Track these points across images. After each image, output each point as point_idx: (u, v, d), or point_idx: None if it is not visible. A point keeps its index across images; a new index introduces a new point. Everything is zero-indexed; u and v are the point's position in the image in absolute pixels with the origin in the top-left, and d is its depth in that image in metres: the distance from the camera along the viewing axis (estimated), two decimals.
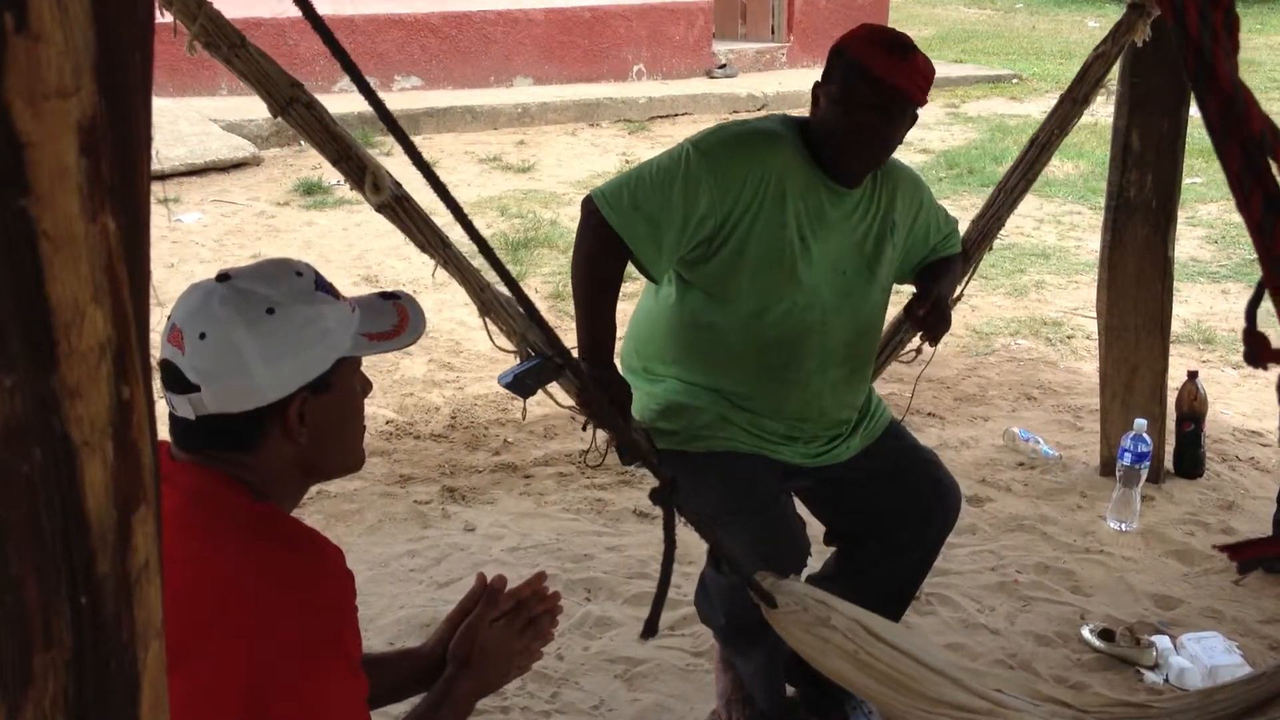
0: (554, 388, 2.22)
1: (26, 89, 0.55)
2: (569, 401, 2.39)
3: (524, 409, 2.56)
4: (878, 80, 2.12)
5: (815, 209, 2.24)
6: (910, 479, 2.41)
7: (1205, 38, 1.04)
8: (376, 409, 4.20)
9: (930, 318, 2.33)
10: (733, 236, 2.19)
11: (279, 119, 2.17)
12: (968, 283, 2.76)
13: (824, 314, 2.29)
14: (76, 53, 0.56)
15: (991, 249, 2.89)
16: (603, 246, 2.18)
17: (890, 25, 12.19)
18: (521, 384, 2.02)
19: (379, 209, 2.20)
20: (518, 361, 2.19)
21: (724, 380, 2.31)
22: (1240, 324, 1.05)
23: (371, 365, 4.29)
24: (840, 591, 1.97)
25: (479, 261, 1.63)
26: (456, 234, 1.82)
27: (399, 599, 3.07)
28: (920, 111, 2.27)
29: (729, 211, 2.17)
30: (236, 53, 2.12)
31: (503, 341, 2.31)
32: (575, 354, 2.18)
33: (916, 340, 2.71)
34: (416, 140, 9.39)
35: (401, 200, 2.21)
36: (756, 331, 2.26)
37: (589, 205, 2.19)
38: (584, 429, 2.37)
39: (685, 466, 2.25)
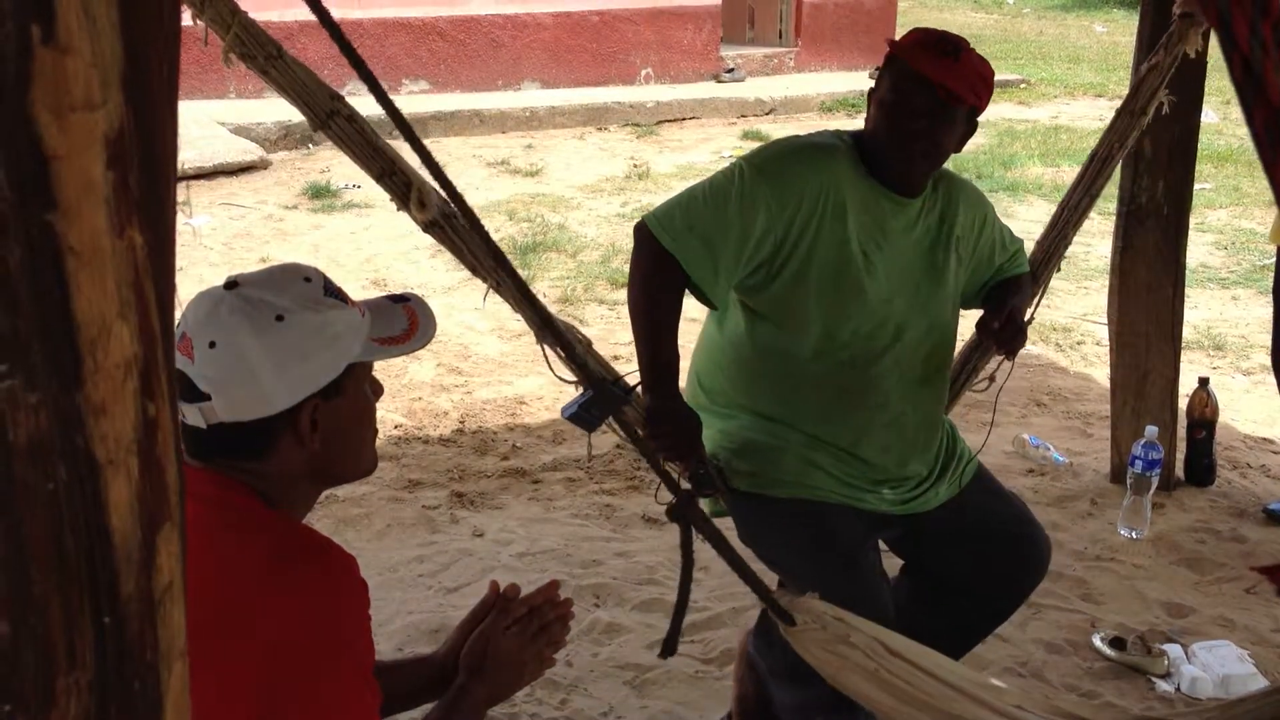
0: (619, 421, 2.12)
1: (53, 101, 0.54)
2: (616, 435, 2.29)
3: (589, 442, 2.41)
4: (923, 79, 2.05)
5: (876, 221, 2.16)
6: (1000, 535, 2.31)
7: (1255, 49, 1.01)
8: (385, 413, 4.19)
9: (1005, 331, 2.26)
10: (794, 256, 2.10)
11: (318, 132, 2.07)
12: (1038, 304, 2.69)
13: (897, 330, 2.20)
14: (104, 64, 0.55)
15: (1060, 269, 2.80)
16: (658, 271, 2.07)
17: (897, 29, 12.14)
18: (586, 416, 1.89)
19: (426, 228, 2.08)
20: (579, 393, 2.06)
21: (802, 412, 2.20)
22: (1251, 330, 1.04)
23: (379, 369, 4.27)
24: (907, 624, 1.90)
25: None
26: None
27: (407, 604, 3.06)
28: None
29: (788, 228, 2.09)
30: (273, 63, 2.02)
31: (562, 371, 2.18)
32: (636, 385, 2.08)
33: (989, 368, 2.62)
34: (425, 144, 9.46)
35: (450, 218, 2.09)
36: (830, 355, 2.16)
37: (641, 230, 2.09)
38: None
39: (768, 511, 2.17)
